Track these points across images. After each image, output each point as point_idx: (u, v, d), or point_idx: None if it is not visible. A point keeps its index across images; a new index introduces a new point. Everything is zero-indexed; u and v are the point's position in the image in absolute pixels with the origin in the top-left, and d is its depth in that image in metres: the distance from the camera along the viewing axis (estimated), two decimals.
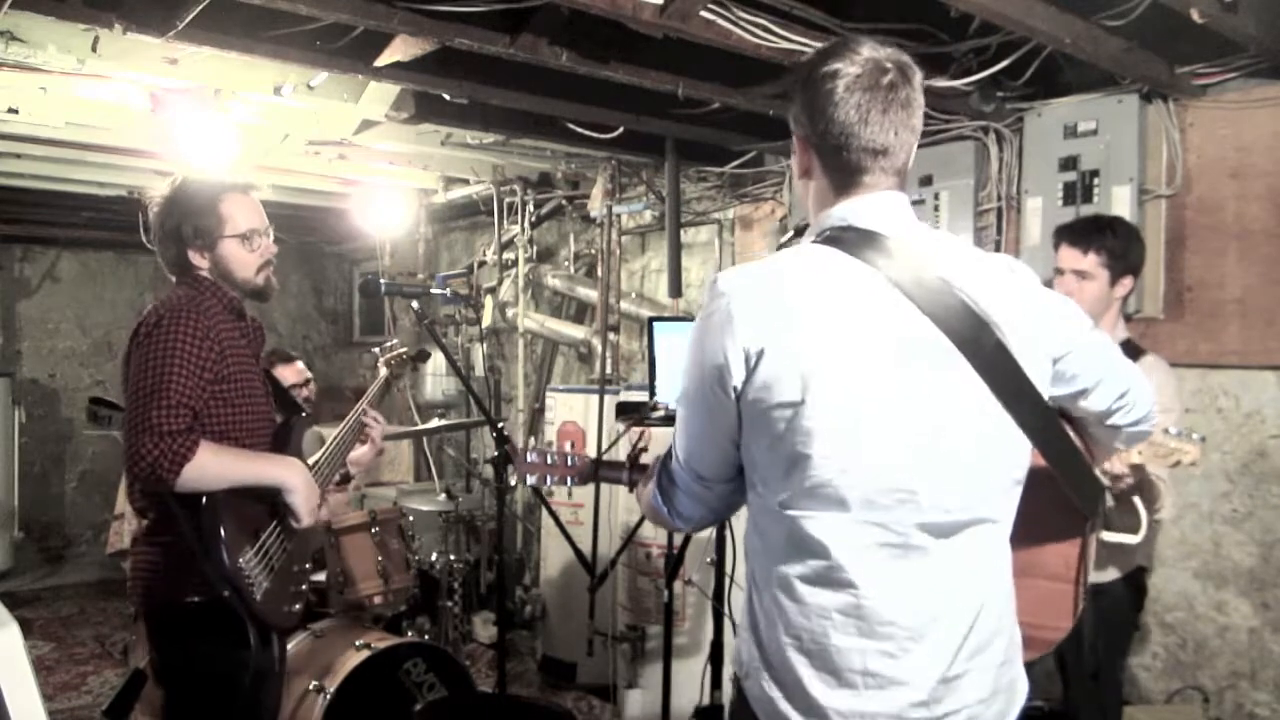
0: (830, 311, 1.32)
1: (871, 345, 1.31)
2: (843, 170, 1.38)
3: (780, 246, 1.94)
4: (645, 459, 2.03)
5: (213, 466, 2.04)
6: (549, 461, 2.16)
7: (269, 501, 2.23)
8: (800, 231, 1.85)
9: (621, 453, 2.22)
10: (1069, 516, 1.51)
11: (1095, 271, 2.46)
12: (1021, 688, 1.44)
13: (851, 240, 1.36)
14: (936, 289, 1.33)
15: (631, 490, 2.00)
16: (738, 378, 1.32)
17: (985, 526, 1.37)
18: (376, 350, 3.06)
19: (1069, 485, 1.47)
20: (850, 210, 1.38)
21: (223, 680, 2.16)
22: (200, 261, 2.26)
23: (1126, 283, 2.50)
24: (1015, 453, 1.38)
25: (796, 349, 1.30)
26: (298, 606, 2.35)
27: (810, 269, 1.36)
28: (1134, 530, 1.92)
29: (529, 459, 2.16)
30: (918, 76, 1.38)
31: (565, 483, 2.20)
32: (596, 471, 2.14)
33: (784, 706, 1.35)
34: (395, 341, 3.08)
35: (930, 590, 1.33)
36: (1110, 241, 2.48)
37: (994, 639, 1.38)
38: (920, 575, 1.33)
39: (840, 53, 1.36)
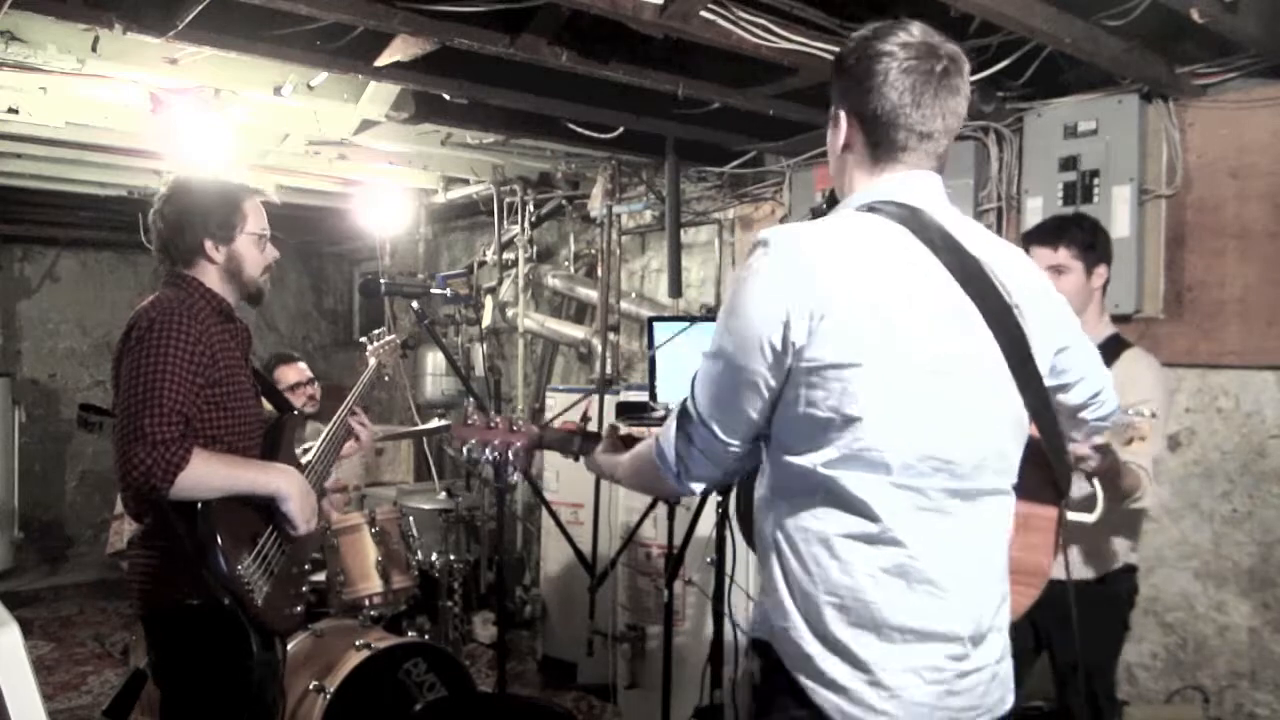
0: (887, 278, 1.35)
1: (923, 315, 1.35)
2: (888, 148, 1.42)
3: None
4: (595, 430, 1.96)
5: (206, 476, 2.02)
6: (491, 425, 1.98)
7: (265, 506, 2.22)
8: None
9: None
10: (1041, 493, 1.59)
11: (1069, 264, 2.52)
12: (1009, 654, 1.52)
13: (898, 214, 1.39)
14: (973, 268, 1.39)
15: (577, 459, 1.95)
16: (799, 336, 1.32)
17: (1001, 497, 1.45)
18: (365, 339, 3.04)
19: (1054, 461, 1.55)
20: (894, 187, 1.42)
21: (225, 682, 2.16)
22: (215, 255, 2.25)
23: (1101, 272, 2.56)
24: (1023, 429, 1.46)
25: (856, 311, 1.32)
26: (299, 608, 2.35)
27: (867, 235, 1.39)
28: (1089, 510, 2.00)
29: (469, 421, 1.98)
30: (966, 66, 1.42)
31: (507, 450, 1.97)
32: (542, 436, 1.99)
33: (824, 664, 1.35)
34: (382, 330, 3.07)
35: (963, 550, 1.39)
36: (1076, 233, 2.55)
37: (1004, 603, 1.46)
38: (954, 536, 1.38)
39: (895, 33, 1.39)
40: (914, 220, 1.39)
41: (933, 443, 1.35)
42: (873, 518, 1.34)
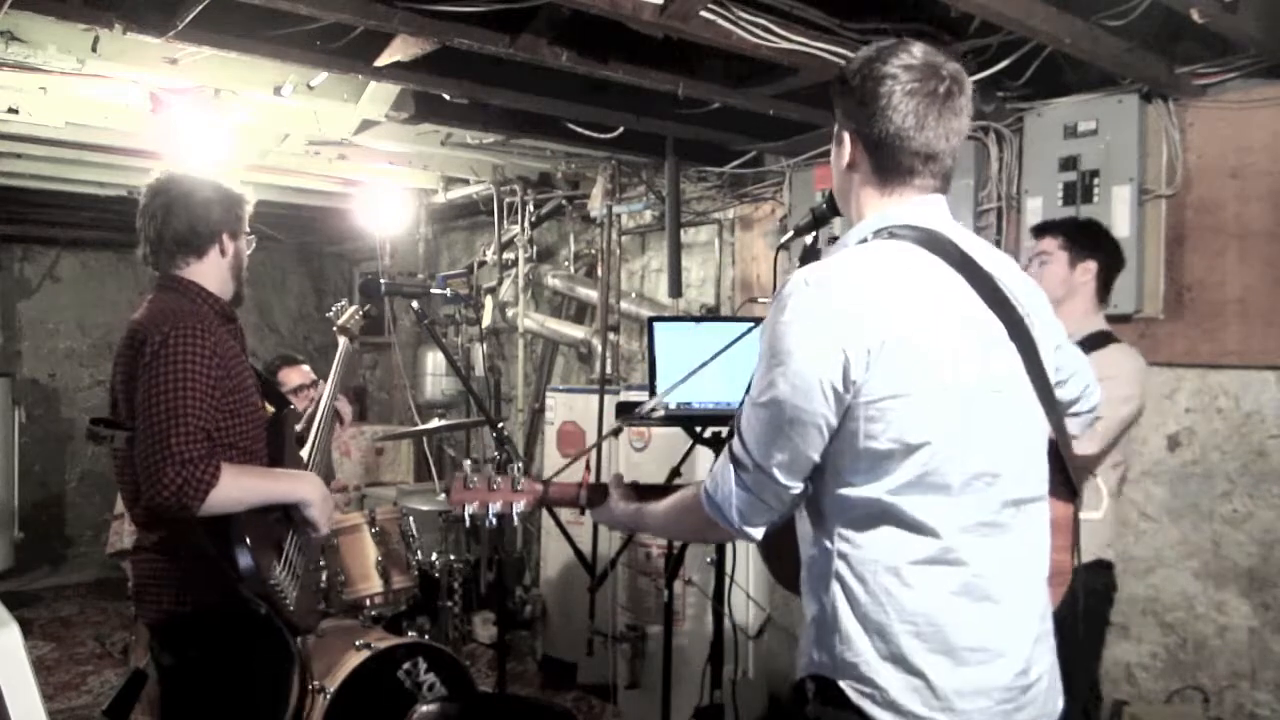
0: (928, 304, 1.37)
1: (964, 337, 1.38)
2: (894, 171, 1.44)
3: (780, 246, 1.93)
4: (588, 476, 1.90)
5: (235, 491, 2.01)
6: (492, 487, 1.87)
7: (284, 511, 2.23)
8: (801, 231, 1.85)
9: (576, 471, 2.00)
10: (1059, 491, 1.61)
11: (1054, 252, 2.64)
12: None
13: (919, 238, 1.41)
14: (990, 284, 1.42)
15: (583, 513, 1.92)
16: (858, 373, 1.32)
17: (1041, 503, 1.48)
18: (330, 314, 2.98)
19: (1066, 459, 1.57)
20: (905, 211, 1.44)
21: (257, 683, 2.17)
22: (228, 247, 2.26)
23: (1088, 267, 2.64)
24: (1046, 432, 1.50)
25: (908, 342, 1.33)
26: (321, 605, 2.38)
27: (900, 263, 1.40)
28: (1095, 507, 2.03)
29: (468, 485, 1.86)
30: (969, 84, 1.44)
31: (510, 509, 1.88)
32: (546, 492, 1.91)
33: (899, 695, 1.35)
34: (344, 303, 3.03)
35: (1015, 562, 1.42)
36: (1066, 225, 2.70)
37: (1049, 608, 1.49)
38: (1006, 550, 1.41)
39: (898, 54, 1.41)
40: (934, 244, 1.41)
41: (986, 460, 1.37)
42: (940, 540, 1.36)
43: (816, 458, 1.39)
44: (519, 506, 1.88)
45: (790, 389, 1.36)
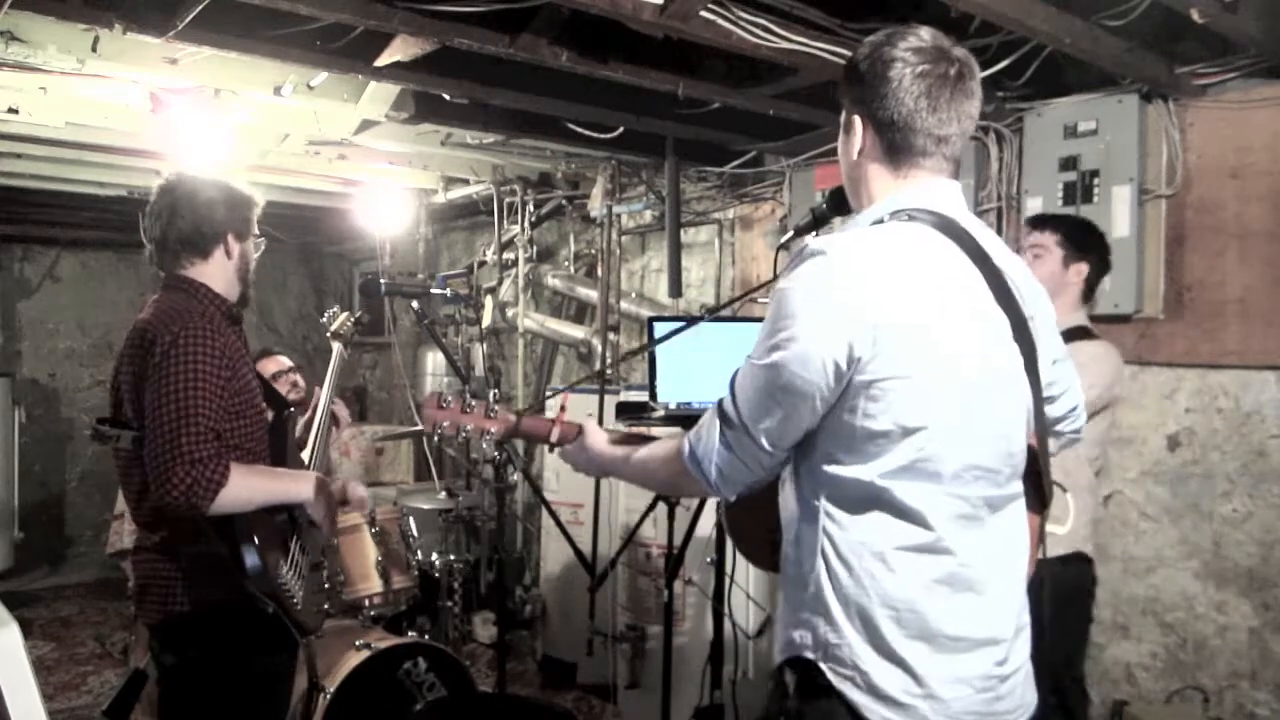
0: (940, 290, 1.37)
1: (971, 327, 1.38)
2: (907, 152, 1.44)
3: (780, 246, 1.93)
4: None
5: (244, 491, 2.03)
6: (465, 409, 1.85)
7: (288, 511, 2.25)
8: (801, 231, 1.85)
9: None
10: (1029, 500, 1.60)
11: (1050, 246, 2.70)
12: None
13: (937, 223, 1.41)
14: (999, 278, 1.42)
15: (553, 450, 1.93)
16: (864, 351, 1.31)
17: (1021, 500, 1.49)
18: (324, 320, 3.02)
19: (1043, 470, 1.56)
20: (920, 194, 1.44)
21: (258, 681, 2.18)
22: (233, 248, 2.25)
23: (1080, 269, 2.71)
24: (1029, 434, 1.50)
25: (916, 325, 1.33)
26: (326, 604, 2.40)
27: (917, 246, 1.39)
28: (1061, 522, 2.02)
29: (443, 405, 1.85)
30: (978, 68, 1.44)
31: (481, 435, 1.87)
32: (518, 424, 1.91)
33: (880, 679, 1.34)
34: (335, 309, 3.07)
35: (998, 555, 1.43)
36: (1065, 225, 2.75)
37: (1025, 602, 1.50)
38: (991, 542, 1.42)
39: (906, 37, 1.41)
40: (951, 231, 1.41)
41: (978, 452, 1.38)
42: (927, 527, 1.35)
43: (803, 430, 1.39)
44: (490, 431, 1.87)
45: (793, 357, 1.35)
